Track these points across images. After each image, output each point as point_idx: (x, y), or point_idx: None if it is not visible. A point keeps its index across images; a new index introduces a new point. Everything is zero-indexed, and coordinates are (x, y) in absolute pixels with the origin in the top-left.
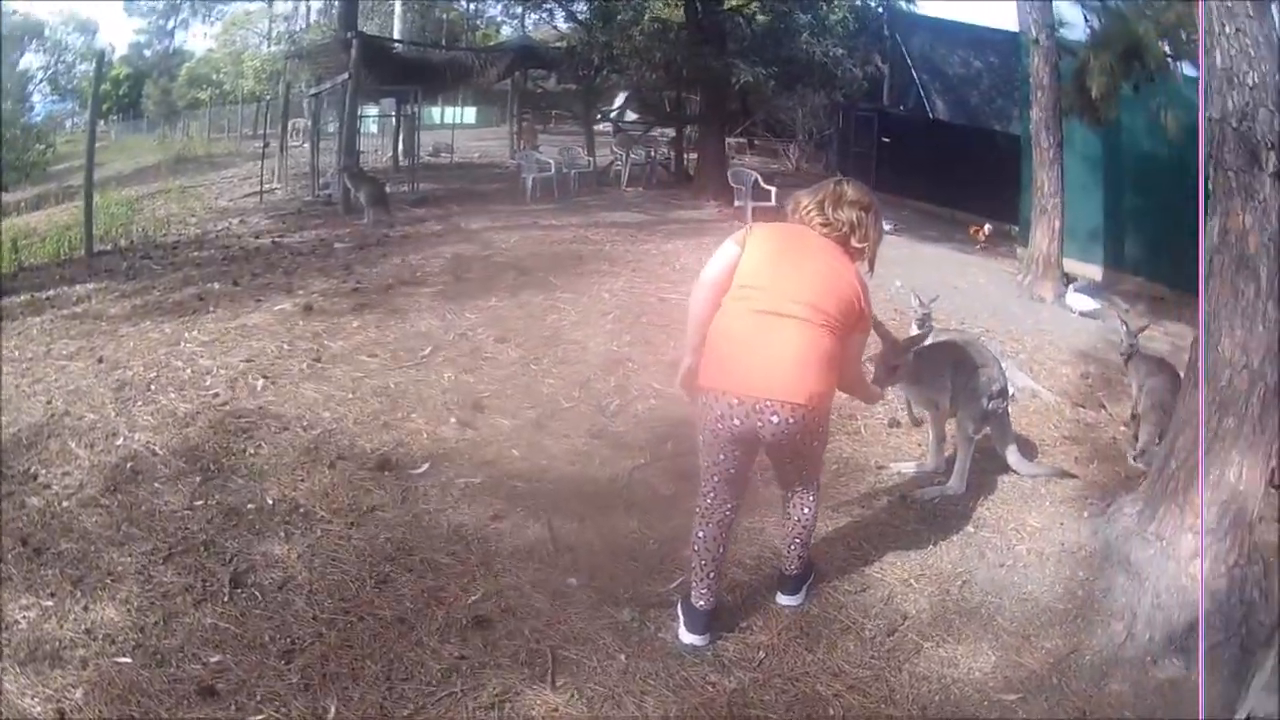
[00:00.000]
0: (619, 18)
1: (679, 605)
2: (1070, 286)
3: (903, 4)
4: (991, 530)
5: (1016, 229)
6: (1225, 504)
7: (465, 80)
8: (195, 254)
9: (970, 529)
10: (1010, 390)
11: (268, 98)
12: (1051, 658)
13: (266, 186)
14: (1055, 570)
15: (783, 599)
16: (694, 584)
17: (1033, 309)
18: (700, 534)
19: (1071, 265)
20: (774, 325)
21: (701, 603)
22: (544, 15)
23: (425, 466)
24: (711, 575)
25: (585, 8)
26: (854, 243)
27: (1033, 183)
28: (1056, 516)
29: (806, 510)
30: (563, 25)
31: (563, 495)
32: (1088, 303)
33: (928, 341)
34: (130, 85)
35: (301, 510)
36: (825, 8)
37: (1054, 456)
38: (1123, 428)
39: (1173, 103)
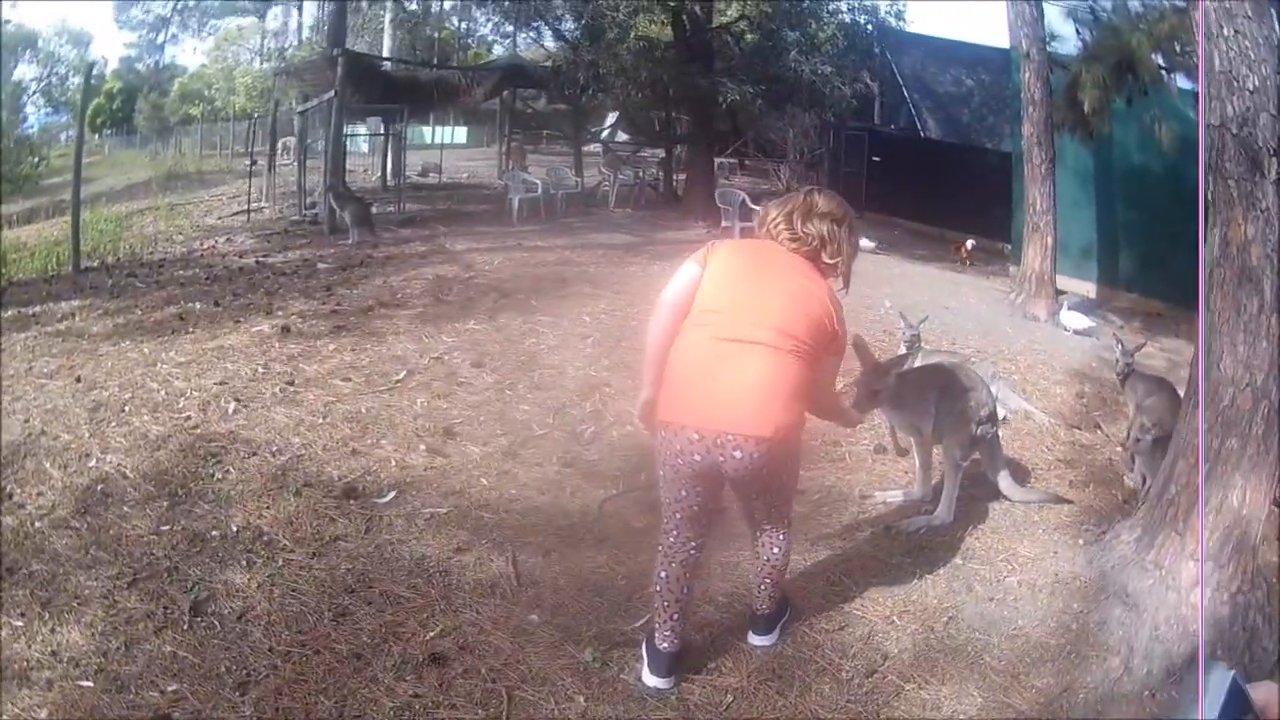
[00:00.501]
0: (606, 36)
1: (643, 645)
2: (1064, 304)
3: (892, 21)
4: (980, 561)
5: (1009, 247)
6: (1228, 529)
7: (452, 99)
8: (180, 273)
9: (958, 561)
10: (1002, 413)
11: (257, 115)
12: (1043, 697)
13: (254, 205)
14: (1048, 603)
15: (755, 639)
16: (657, 625)
17: (1026, 328)
18: (663, 574)
19: (1065, 282)
20: (736, 353)
21: (665, 644)
22: (533, 34)
23: (391, 495)
24: (675, 616)
25: (574, 26)
26: (825, 258)
27: (1024, 199)
28: (1050, 545)
29: (776, 549)
30: (551, 44)
31: (530, 527)
32: (1082, 321)
33: (917, 363)
34: (124, 99)
35: (265, 538)
36: (814, 25)
37: (1048, 481)
38: (1119, 449)
39: (1166, 115)
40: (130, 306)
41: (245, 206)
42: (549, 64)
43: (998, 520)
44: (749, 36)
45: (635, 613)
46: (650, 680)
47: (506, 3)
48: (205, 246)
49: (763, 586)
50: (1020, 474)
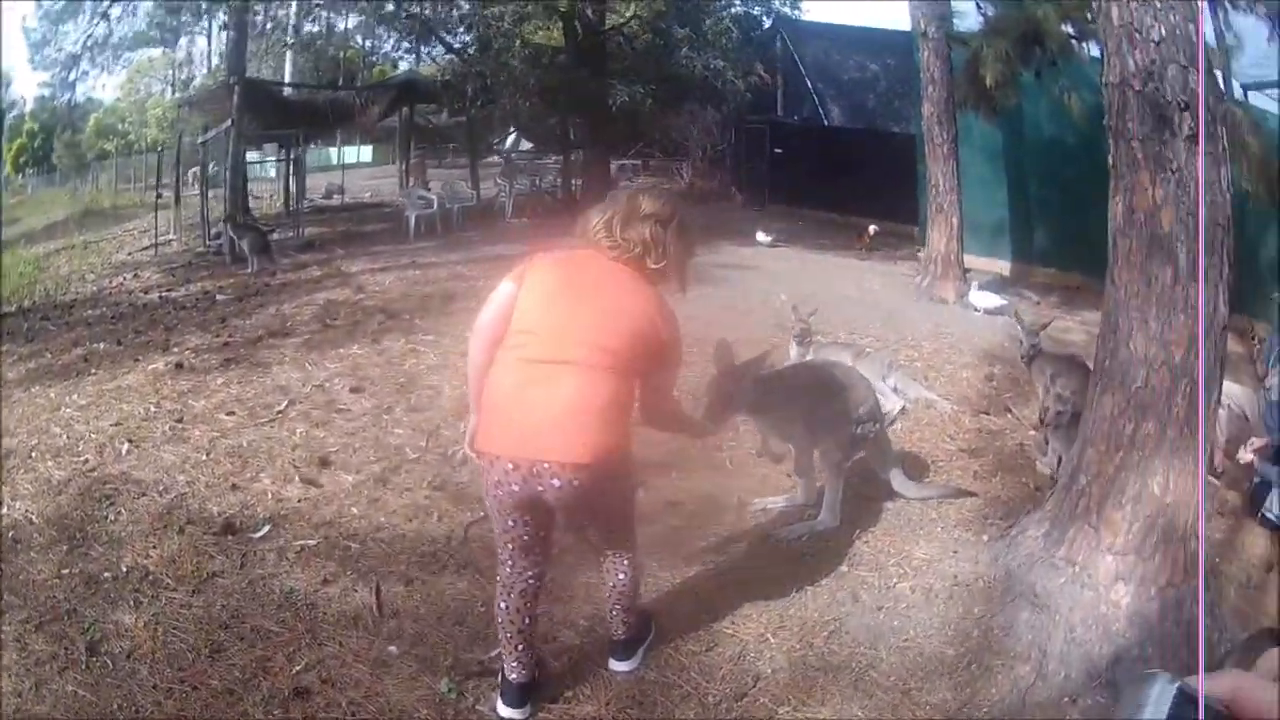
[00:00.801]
0: (495, 46)
1: (500, 675)
2: (973, 284)
3: (788, 11)
4: (869, 567)
5: (918, 230)
6: (1150, 519)
7: (347, 120)
8: (89, 313)
9: (843, 568)
10: (900, 403)
11: (163, 147)
12: (939, 713)
13: (162, 239)
14: (945, 609)
15: (615, 664)
16: (505, 656)
17: (932, 312)
18: (503, 605)
19: (978, 262)
20: (548, 375)
21: (514, 675)
22: (433, 50)
23: (266, 529)
24: (520, 647)
25: (469, 39)
26: (650, 264)
27: (927, 181)
28: (949, 544)
29: (622, 575)
30: (442, 59)
31: (395, 555)
32: (992, 300)
33: (810, 357)
34: (44, 138)
35: (150, 578)
36: (707, 22)
37: (949, 473)
38: (1032, 432)
39: (1078, 85)
40: (41, 351)
41: (153, 241)
42: (439, 78)
43: (891, 521)
44: (642, 36)
45: (493, 640)
46: (504, 711)
47: (403, 17)
48: (114, 284)
49: (614, 612)
50: (918, 468)
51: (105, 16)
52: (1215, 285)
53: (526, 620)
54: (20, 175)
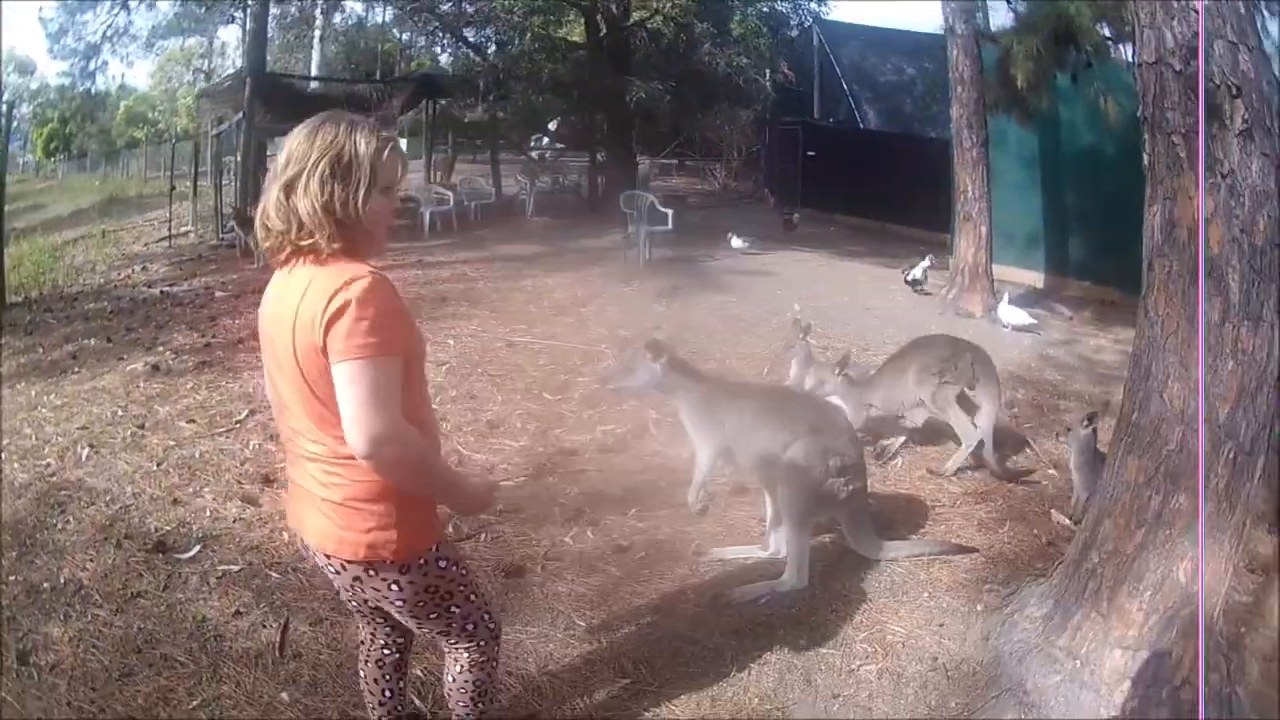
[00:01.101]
0: (512, 39)
1: None
2: (1003, 297)
3: (814, 5)
4: (832, 643)
5: (949, 237)
6: (1171, 611)
7: (363, 114)
8: (90, 306)
9: (801, 642)
10: (902, 438)
11: (175, 139)
12: None
13: (179, 230)
14: (915, 701)
15: None
16: None
17: (958, 327)
18: (361, 672)
19: (1011, 273)
20: (291, 458)
21: None
22: (460, 46)
23: (196, 550)
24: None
25: (491, 33)
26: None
27: (955, 187)
28: (934, 615)
29: (459, 666)
30: (465, 55)
31: (312, 589)
32: (1021, 317)
33: (808, 379)
34: (75, 125)
35: (83, 592)
36: (735, 18)
37: (950, 521)
38: (1052, 471)
39: (1114, 89)
40: (35, 345)
41: (169, 232)
42: (451, 73)
43: (871, 582)
44: (665, 32)
45: None
46: None
47: (406, 11)
48: (121, 276)
49: (456, 701)
50: (916, 515)
51: (125, 7)
52: (1271, 325)
53: (387, 694)
54: (51, 160)
